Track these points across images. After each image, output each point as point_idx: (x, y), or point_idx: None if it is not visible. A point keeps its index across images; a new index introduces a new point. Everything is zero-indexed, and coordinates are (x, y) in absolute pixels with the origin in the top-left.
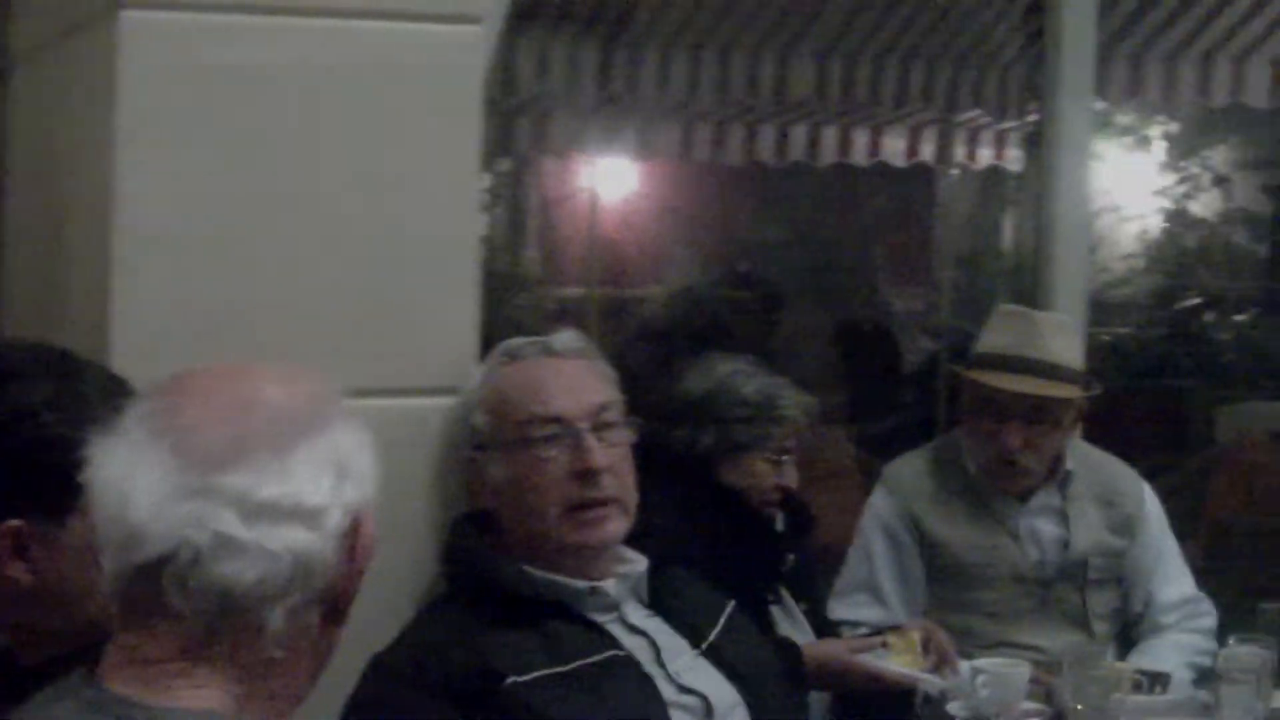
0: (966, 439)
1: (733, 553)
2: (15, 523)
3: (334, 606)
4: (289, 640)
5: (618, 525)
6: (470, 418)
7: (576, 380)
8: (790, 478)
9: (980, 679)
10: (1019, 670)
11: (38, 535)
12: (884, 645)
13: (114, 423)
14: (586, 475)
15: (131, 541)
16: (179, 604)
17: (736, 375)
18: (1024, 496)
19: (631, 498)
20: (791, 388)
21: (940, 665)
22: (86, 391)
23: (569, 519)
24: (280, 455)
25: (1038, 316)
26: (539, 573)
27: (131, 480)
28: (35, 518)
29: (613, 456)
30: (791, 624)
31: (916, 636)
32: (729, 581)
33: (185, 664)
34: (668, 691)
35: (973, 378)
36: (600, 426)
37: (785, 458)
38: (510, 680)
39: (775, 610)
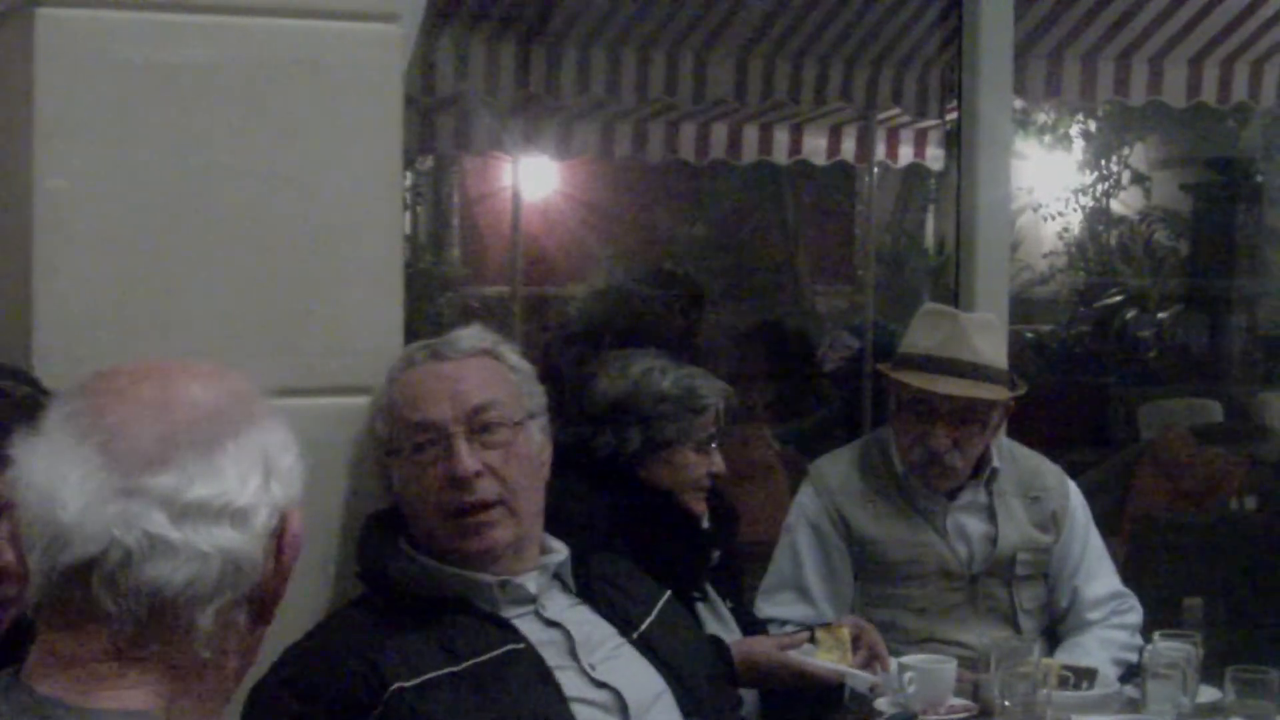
0: (894, 438)
1: (659, 551)
2: None
3: (260, 606)
4: (217, 640)
5: (503, 530)
6: (375, 424)
7: (456, 383)
8: (718, 464)
9: (908, 675)
10: (946, 666)
11: None
12: (812, 641)
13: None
14: (458, 481)
15: (59, 542)
16: (109, 605)
17: (652, 371)
18: (951, 494)
19: (524, 497)
20: (707, 376)
21: (871, 661)
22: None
23: (451, 525)
24: (208, 455)
25: (963, 317)
26: (447, 568)
27: (58, 480)
28: None
29: (493, 458)
30: (718, 621)
31: (846, 633)
32: (655, 580)
33: (115, 665)
34: (579, 686)
35: (900, 379)
36: (478, 429)
37: (712, 445)
38: (395, 686)
39: (701, 608)
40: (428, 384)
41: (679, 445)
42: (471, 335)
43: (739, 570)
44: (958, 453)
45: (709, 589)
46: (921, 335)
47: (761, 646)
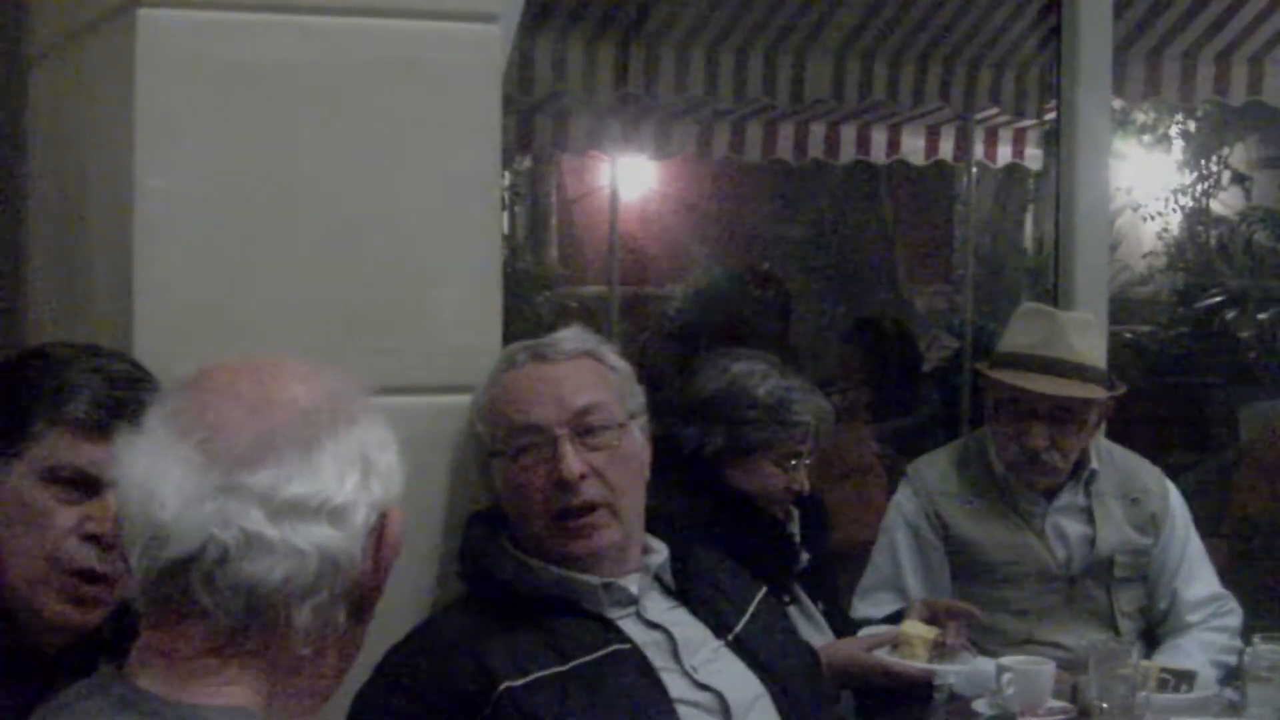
0: (992, 437)
1: (743, 554)
2: None
3: (359, 604)
4: (315, 638)
5: (607, 533)
6: (477, 425)
7: (561, 385)
8: (800, 482)
9: (1006, 676)
10: (1045, 668)
11: None
12: (895, 646)
13: (79, 388)
14: (563, 484)
15: (158, 540)
16: (206, 602)
17: (750, 375)
18: (1050, 495)
19: (627, 498)
20: (807, 391)
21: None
22: (71, 358)
23: (556, 527)
24: (306, 452)
25: (1062, 316)
26: (552, 569)
27: (158, 478)
28: None
29: (598, 460)
30: (809, 624)
31: (929, 635)
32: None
33: (214, 661)
34: (682, 688)
35: (998, 378)
36: (583, 431)
37: (795, 462)
38: (505, 685)
39: (793, 610)
40: (531, 386)
41: (760, 455)
42: (573, 337)
43: (831, 571)
44: (1055, 452)
45: (800, 591)
46: (1019, 334)
47: (848, 648)
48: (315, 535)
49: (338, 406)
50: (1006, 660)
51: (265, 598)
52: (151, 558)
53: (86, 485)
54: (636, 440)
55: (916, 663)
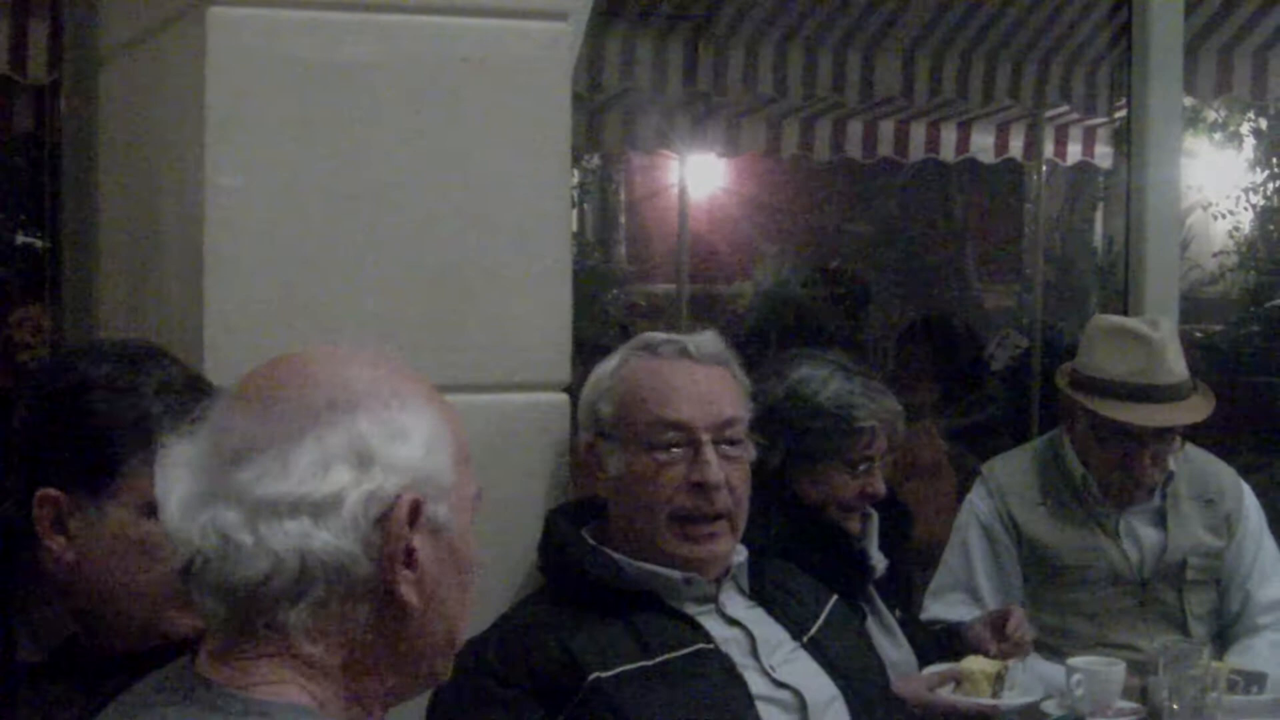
0: (1088, 458)
1: (815, 569)
2: (54, 492)
3: (384, 598)
4: (326, 636)
5: (725, 543)
6: (598, 403)
7: (708, 389)
8: (875, 486)
9: (1075, 678)
10: (1114, 669)
11: (77, 513)
12: (958, 683)
13: (160, 417)
14: (701, 488)
15: (174, 549)
16: (205, 606)
17: (810, 381)
18: (1125, 500)
19: (742, 515)
20: (875, 391)
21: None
22: (141, 381)
23: (676, 528)
24: (282, 450)
25: (1156, 337)
26: (634, 563)
27: (169, 485)
28: (74, 493)
29: (730, 472)
30: (884, 632)
31: (992, 669)
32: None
33: (245, 661)
34: (761, 685)
35: (1105, 412)
36: (723, 440)
37: (866, 466)
38: (594, 676)
39: (870, 622)
40: (680, 381)
41: (828, 463)
42: (714, 342)
43: (909, 577)
44: (1155, 470)
45: (877, 600)
46: (1113, 359)
47: (912, 688)
48: (293, 534)
49: (337, 398)
50: (1076, 661)
51: (245, 601)
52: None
53: None
54: (751, 456)
55: (981, 699)
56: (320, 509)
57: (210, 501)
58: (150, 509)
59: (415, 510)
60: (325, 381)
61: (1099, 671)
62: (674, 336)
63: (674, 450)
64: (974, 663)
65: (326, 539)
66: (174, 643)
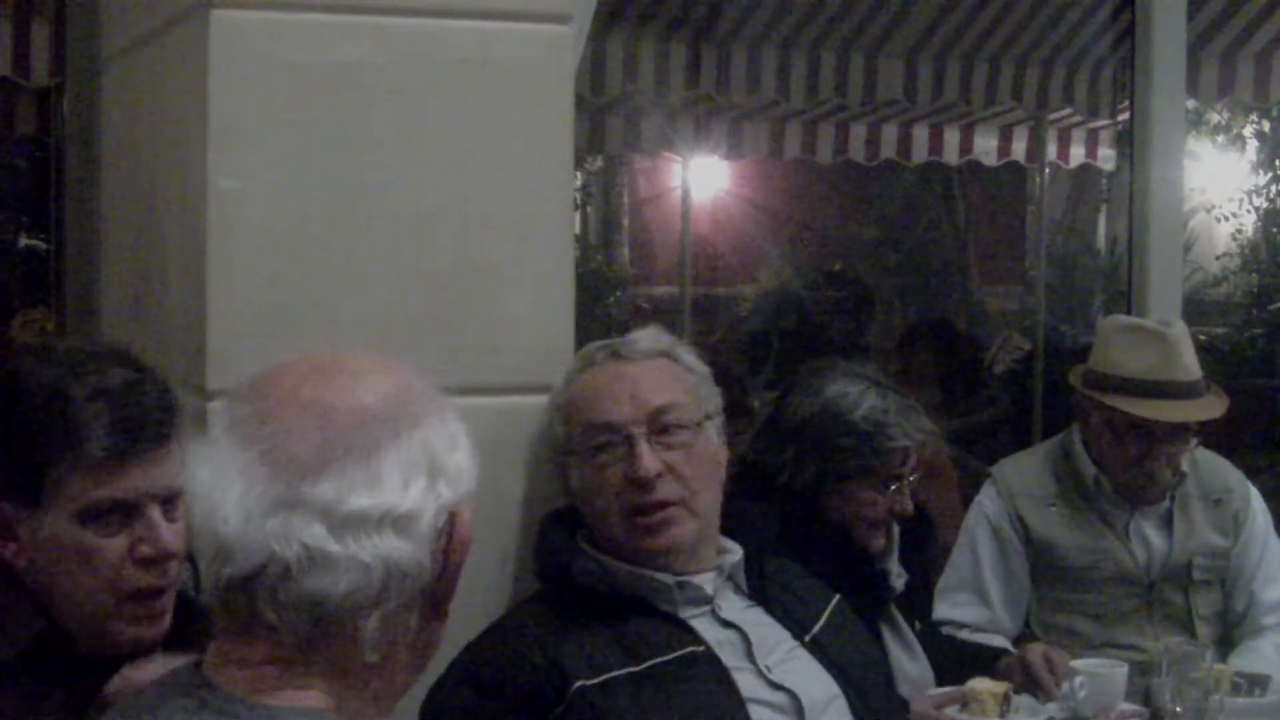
0: (1100, 453)
1: (834, 582)
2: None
3: (432, 604)
4: (385, 644)
5: (681, 529)
6: (553, 424)
7: (637, 384)
8: (904, 505)
9: (1078, 680)
10: (1117, 671)
11: (22, 519)
12: (964, 704)
13: (89, 424)
14: (639, 482)
15: (222, 555)
16: (271, 616)
17: (844, 397)
18: (1137, 501)
19: (702, 497)
20: (908, 411)
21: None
22: (72, 387)
23: (630, 524)
24: (367, 461)
25: (1169, 334)
26: (625, 567)
27: (220, 492)
28: (14, 500)
29: (674, 459)
30: (902, 646)
31: (999, 689)
32: None
33: (282, 668)
34: (756, 688)
35: (1124, 408)
36: (659, 430)
37: (896, 486)
38: (578, 685)
39: (886, 635)
40: (608, 384)
41: (857, 482)
42: (650, 336)
43: (930, 589)
44: (1169, 469)
45: (896, 615)
46: (1129, 356)
47: (918, 707)
48: (380, 546)
49: (401, 409)
50: (1079, 663)
51: (331, 612)
52: (216, 572)
53: (125, 510)
54: (712, 440)
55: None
56: (404, 521)
57: (282, 510)
58: (86, 516)
59: (467, 518)
60: (383, 390)
61: (1101, 674)
62: (608, 342)
63: (611, 451)
64: (980, 683)
65: (408, 550)
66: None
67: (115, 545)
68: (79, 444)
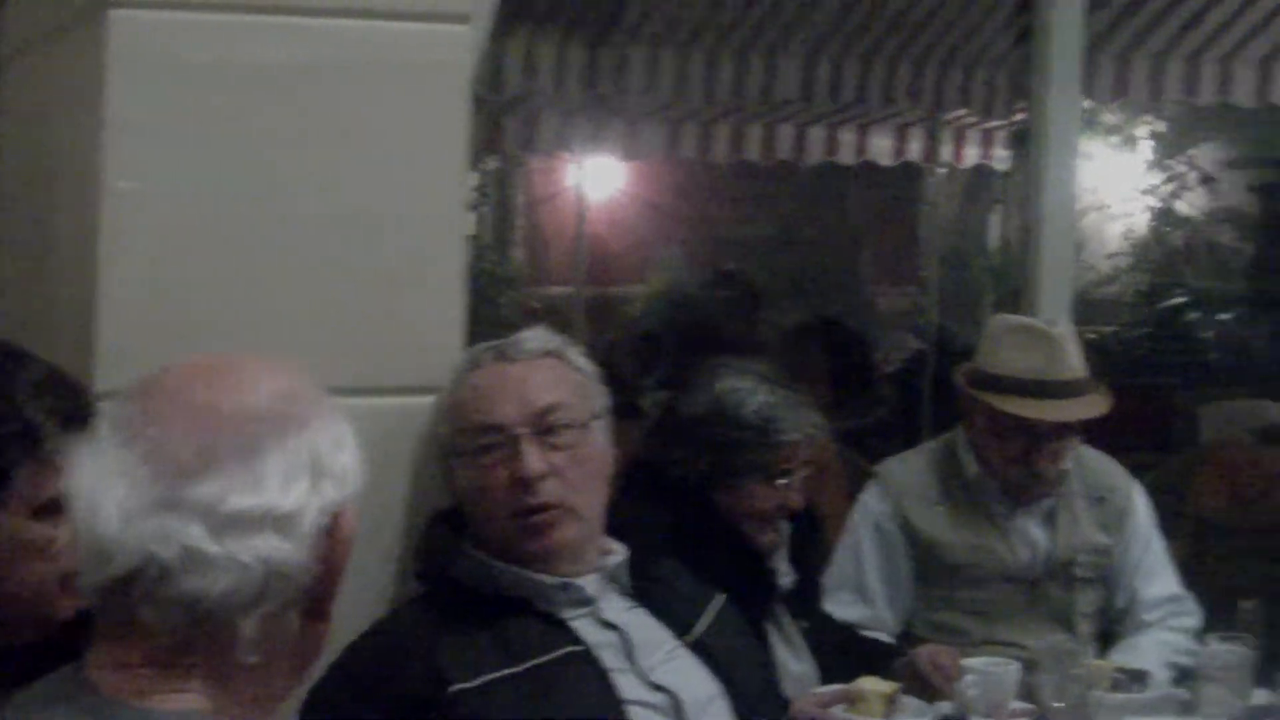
0: (984, 452)
1: (720, 580)
2: None
3: (314, 605)
4: (265, 646)
5: (564, 531)
6: (439, 426)
7: (522, 384)
8: (795, 500)
9: (969, 678)
10: (1009, 669)
11: None
12: (851, 703)
13: (42, 422)
14: (524, 483)
15: (101, 556)
16: (149, 617)
17: (737, 392)
18: (1021, 499)
19: (587, 499)
20: (797, 405)
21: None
22: (14, 386)
23: (514, 525)
24: (249, 461)
25: (1055, 334)
26: (508, 569)
27: (102, 492)
28: None
29: (559, 460)
30: (787, 646)
31: (887, 689)
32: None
33: (161, 671)
34: (635, 689)
35: (1011, 409)
36: (544, 430)
37: (785, 480)
38: (456, 688)
39: (771, 631)
40: (493, 385)
41: (749, 477)
42: (537, 337)
43: (817, 591)
44: (1054, 466)
45: (782, 614)
46: (1013, 356)
47: (803, 704)
48: (260, 547)
49: (285, 410)
50: (970, 661)
51: (208, 612)
52: (95, 573)
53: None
54: (599, 441)
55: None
56: (284, 521)
57: (161, 511)
58: (38, 511)
59: (350, 519)
60: (267, 390)
61: (993, 672)
62: (494, 343)
63: (496, 452)
64: (868, 682)
65: (289, 551)
66: (60, 634)
67: (63, 535)
68: (33, 443)
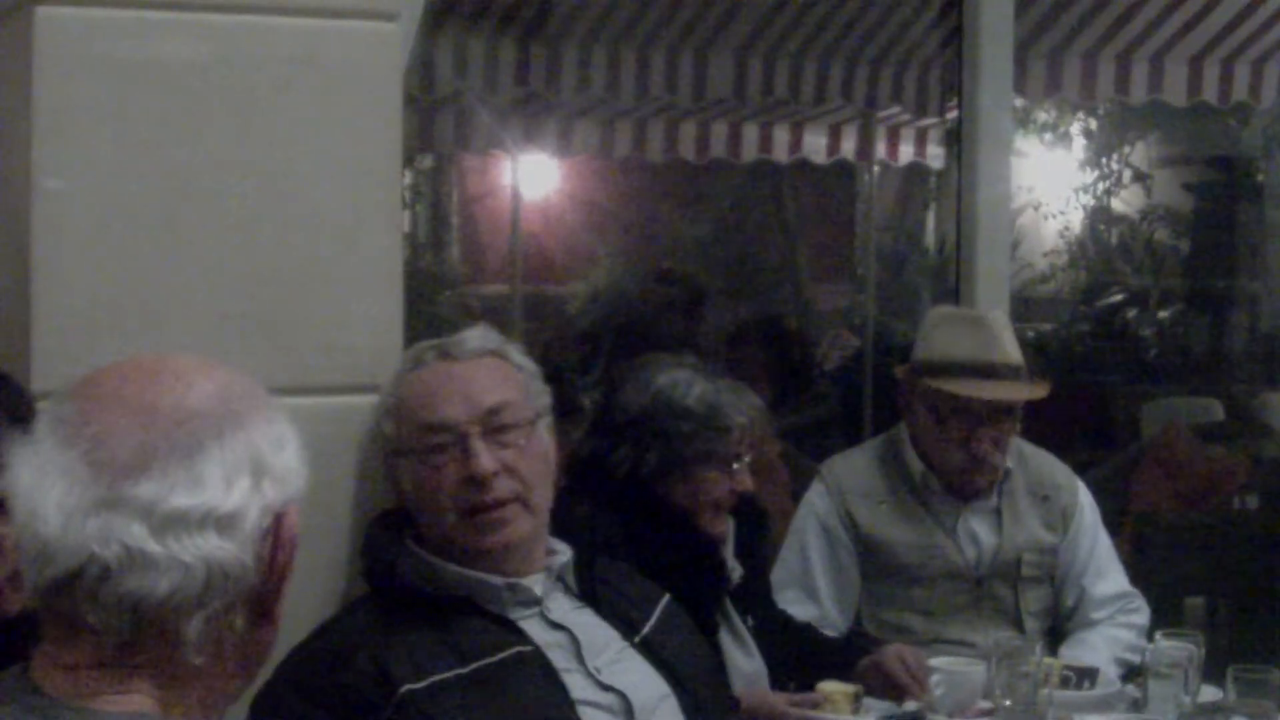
0: (928, 444)
1: (674, 576)
2: None
3: (259, 607)
4: (210, 646)
5: (518, 526)
6: (382, 424)
7: (469, 383)
8: (745, 483)
9: (935, 678)
10: (975, 670)
11: None
12: (816, 705)
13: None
14: (475, 481)
15: (43, 556)
16: (91, 617)
17: (677, 385)
18: (965, 496)
19: (538, 493)
20: (737, 390)
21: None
22: None
23: (466, 523)
24: (189, 461)
25: (989, 319)
26: (454, 568)
27: (42, 492)
28: None
29: (509, 457)
30: (736, 642)
31: (851, 690)
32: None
33: (106, 672)
34: (585, 689)
35: (946, 388)
36: (494, 429)
37: (736, 465)
38: (405, 689)
39: (720, 628)
40: (439, 384)
41: (700, 465)
42: (478, 335)
43: (765, 586)
44: (997, 452)
45: (731, 610)
46: (951, 341)
47: (770, 700)
48: (201, 547)
49: (225, 409)
50: (936, 661)
51: (151, 612)
52: (37, 574)
53: None
54: (544, 438)
55: (843, 717)
56: (226, 521)
57: (102, 511)
58: None
59: (294, 520)
60: (206, 389)
61: (960, 672)
62: (436, 341)
63: (444, 451)
64: (830, 685)
65: (230, 551)
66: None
67: (11, 533)
68: None
